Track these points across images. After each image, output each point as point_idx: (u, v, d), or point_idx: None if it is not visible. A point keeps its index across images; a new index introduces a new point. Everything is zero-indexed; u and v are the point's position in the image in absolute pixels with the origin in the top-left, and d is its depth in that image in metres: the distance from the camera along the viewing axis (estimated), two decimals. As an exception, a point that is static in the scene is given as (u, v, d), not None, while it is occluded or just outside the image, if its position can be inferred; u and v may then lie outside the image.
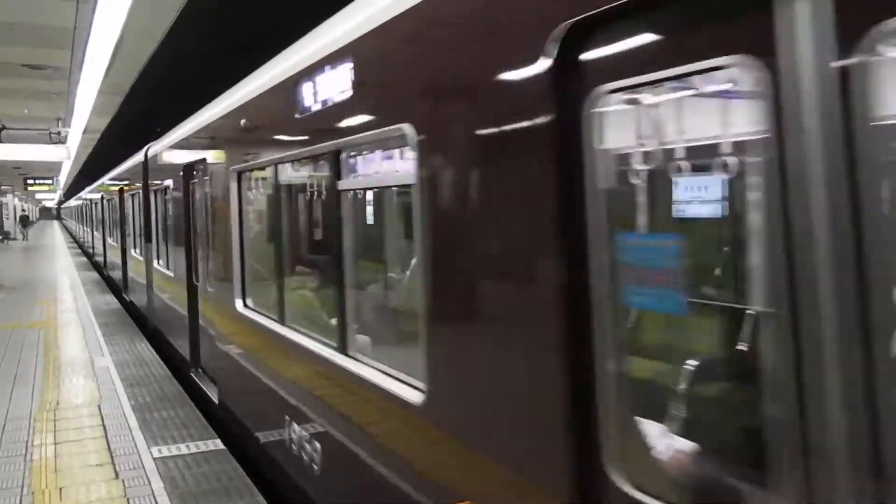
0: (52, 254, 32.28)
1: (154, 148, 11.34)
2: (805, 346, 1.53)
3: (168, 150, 9.74)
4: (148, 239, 12.12)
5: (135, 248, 14.53)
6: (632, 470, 2.00)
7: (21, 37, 10.64)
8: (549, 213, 2.17)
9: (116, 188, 17.49)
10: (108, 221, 21.04)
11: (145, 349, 10.37)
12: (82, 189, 37.82)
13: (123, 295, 16.45)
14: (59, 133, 20.28)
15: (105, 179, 21.09)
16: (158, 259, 11.33)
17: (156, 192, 11.28)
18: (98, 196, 23.75)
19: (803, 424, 1.53)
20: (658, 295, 1.93)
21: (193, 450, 6.03)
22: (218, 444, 6.19)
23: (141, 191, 12.55)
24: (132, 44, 11.05)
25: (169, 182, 9.70)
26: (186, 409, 7.27)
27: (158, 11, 9.51)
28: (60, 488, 5.23)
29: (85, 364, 9.39)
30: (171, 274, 9.72)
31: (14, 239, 44.26)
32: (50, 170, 35.34)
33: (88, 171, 38.92)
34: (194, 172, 8.06)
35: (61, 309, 14.46)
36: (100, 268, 23.74)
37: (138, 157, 12.94)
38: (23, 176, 35.14)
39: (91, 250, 28.95)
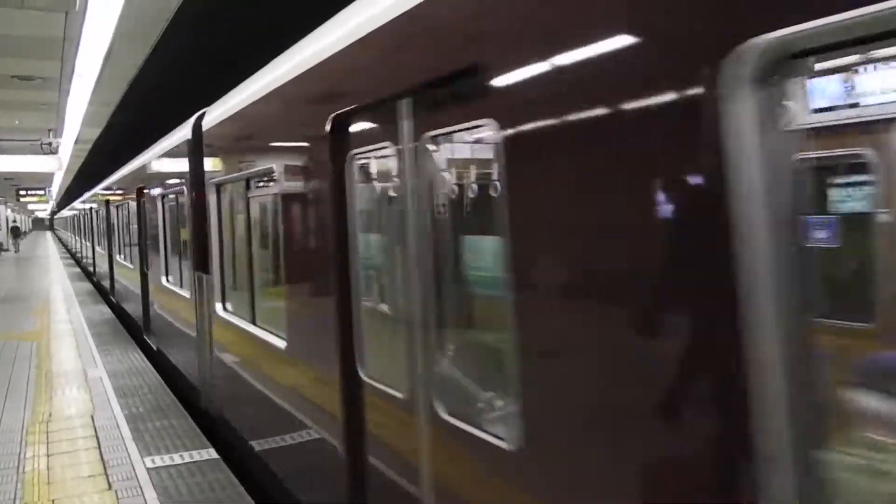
0: (45, 265, 32.17)
1: (219, 111, 6.56)
2: None
3: (265, 102, 5.08)
4: (202, 266, 7.30)
5: (167, 275, 9.85)
6: None
7: (11, 48, 10.63)
8: None
9: (127, 190, 13.29)
10: (116, 235, 16.49)
11: (138, 359, 10.35)
12: (76, 198, 37.56)
13: (145, 337, 12.00)
14: (50, 144, 20.23)
15: (111, 181, 16.89)
16: (224, 302, 6.69)
17: (221, 186, 6.60)
18: (101, 202, 18.84)
19: None
20: None
21: (187, 459, 6.02)
22: (212, 453, 6.18)
23: (185, 188, 7.88)
24: (122, 54, 11.04)
25: (267, 163, 5.06)
26: (180, 419, 7.26)
27: (148, 21, 9.51)
28: (53, 500, 5.21)
29: (78, 375, 9.36)
30: (281, 345, 4.90)
31: (7, 250, 44.08)
32: (42, 180, 35.27)
33: (82, 181, 38.85)
34: (369, 134, 3.61)
35: (54, 320, 14.41)
36: (102, 290, 20.17)
37: (180, 135, 8.22)
38: (15, 187, 35.06)
39: (91, 267, 24.96)
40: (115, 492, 5.34)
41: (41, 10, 8.74)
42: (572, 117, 2.15)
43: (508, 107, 2.44)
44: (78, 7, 8.57)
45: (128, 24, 9.37)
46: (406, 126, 3.16)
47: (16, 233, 46.63)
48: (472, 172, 2.92)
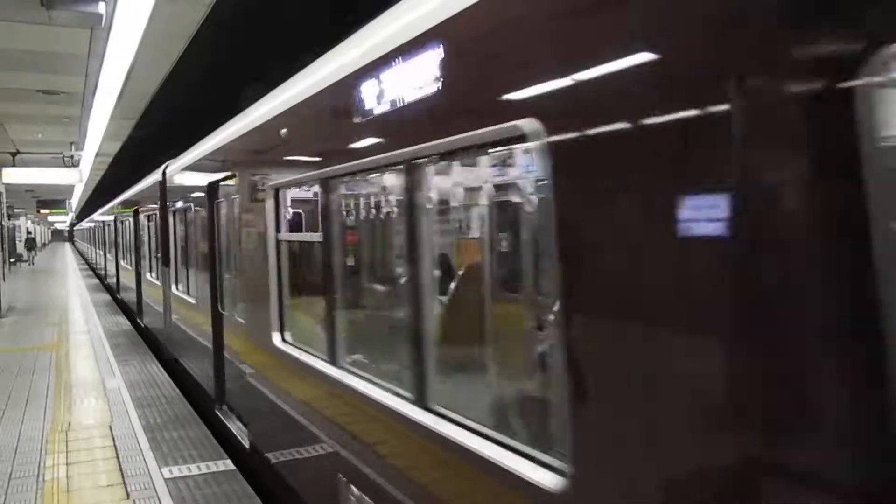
0: (62, 276, 32.53)
1: (176, 165, 9.89)
2: None
3: (188, 167, 9.20)
4: (164, 261, 10.34)
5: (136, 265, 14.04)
6: None
7: (36, 64, 10.84)
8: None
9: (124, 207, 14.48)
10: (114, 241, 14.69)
11: (156, 370, 10.45)
12: (95, 210, 37.89)
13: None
14: (72, 157, 20.51)
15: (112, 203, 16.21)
16: (177, 284, 8.31)
17: (176, 212, 9.93)
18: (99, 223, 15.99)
19: None
20: None
21: (204, 470, 6.09)
22: (228, 464, 6.25)
23: (157, 211, 9.04)
24: (144, 70, 11.25)
25: (190, 198, 8.78)
26: (197, 430, 7.33)
27: (170, 39, 9.70)
28: (73, 509, 5.29)
29: (96, 385, 9.47)
30: (192, 300, 7.56)
31: (25, 261, 44.45)
32: (62, 193, 35.72)
33: (101, 193, 39.29)
34: None
35: (72, 331, 14.59)
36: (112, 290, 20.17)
37: (154, 178, 9.99)
38: (35, 199, 35.52)
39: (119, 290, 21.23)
40: (134, 501, 5.41)
41: (68, 26, 8.93)
42: None
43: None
44: (104, 24, 8.75)
45: (151, 42, 9.55)
46: (223, 194, 7.25)
47: (30, 245, 46.06)
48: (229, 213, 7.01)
